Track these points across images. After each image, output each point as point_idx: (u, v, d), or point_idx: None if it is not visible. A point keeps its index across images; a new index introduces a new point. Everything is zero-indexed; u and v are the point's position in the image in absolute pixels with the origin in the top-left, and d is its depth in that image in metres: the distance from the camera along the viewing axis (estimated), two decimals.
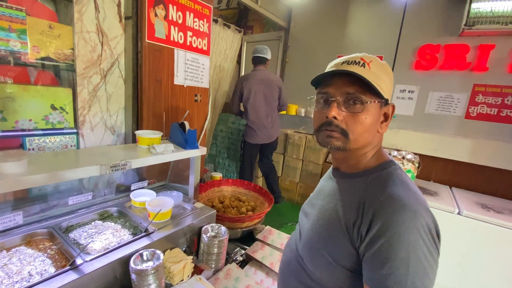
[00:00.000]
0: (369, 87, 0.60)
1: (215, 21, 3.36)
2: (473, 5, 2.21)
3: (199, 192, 1.77)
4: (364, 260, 0.57)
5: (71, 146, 1.42)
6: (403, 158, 2.24)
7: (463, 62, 2.38)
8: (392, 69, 2.74)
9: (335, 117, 0.61)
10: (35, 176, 0.80)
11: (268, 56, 2.70)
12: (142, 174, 1.54)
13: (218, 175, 2.11)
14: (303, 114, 3.39)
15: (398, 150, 2.41)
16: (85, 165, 0.94)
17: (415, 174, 2.19)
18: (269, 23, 3.54)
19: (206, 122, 1.98)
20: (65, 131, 1.39)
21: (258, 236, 1.57)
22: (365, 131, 0.63)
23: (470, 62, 2.37)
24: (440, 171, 1.99)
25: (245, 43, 3.93)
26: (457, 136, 2.43)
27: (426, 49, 2.51)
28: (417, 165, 2.19)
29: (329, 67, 0.66)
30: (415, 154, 2.36)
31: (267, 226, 1.69)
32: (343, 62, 0.63)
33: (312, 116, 0.71)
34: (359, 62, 0.61)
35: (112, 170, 0.97)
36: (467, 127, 2.41)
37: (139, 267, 0.93)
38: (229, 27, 3.59)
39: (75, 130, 1.42)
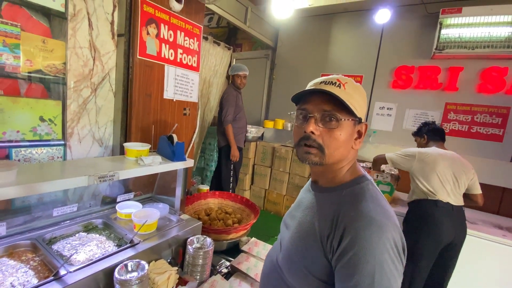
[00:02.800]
0: (344, 106, 0.64)
1: (205, 38, 3.48)
2: (443, 31, 2.42)
3: (185, 205, 1.79)
4: (335, 272, 0.59)
5: (58, 157, 1.43)
6: (383, 171, 2.35)
7: (435, 83, 2.57)
8: (372, 88, 2.91)
9: (312, 132, 0.65)
10: (25, 185, 0.82)
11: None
12: (128, 186, 1.55)
13: (205, 188, 2.13)
14: (289, 129, 3.49)
15: None
16: (74, 175, 0.97)
17: (394, 187, 2.30)
18: (257, 42, 3.70)
19: (194, 135, 2.02)
20: (52, 142, 1.40)
21: (244, 248, 1.59)
22: (340, 147, 0.66)
23: (441, 83, 2.56)
24: None
25: (234, 59, 4.07)
26: None
27: (402, 70, 2.70)
28: (396, 178, 2.30)
29: (309, 86, 0.70)
30: (395, 168, 2.48)
31: (253, 238, 1.71)
32: (321, 82, 0.67)
33: (292, 131, 0.75)
34: (335, 82, 0.65)
35: (100, 180, 1.00)
36: None
37: (123, 278, 0.94)
38: (218, 44, 3.72)
39: (62, 142, 1.43)
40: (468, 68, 2.46)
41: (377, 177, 2.32)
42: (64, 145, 1.44)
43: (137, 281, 0.95)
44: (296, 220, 0.77)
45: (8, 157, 1.25)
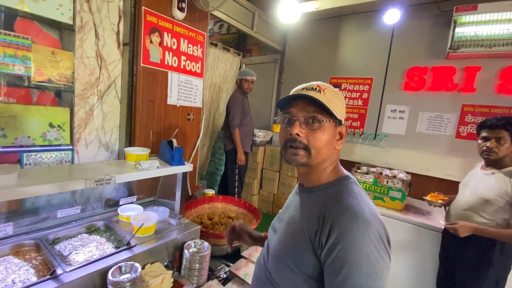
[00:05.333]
0: (325, 109, 0.68)
1: (215, 45, 3.55)
2: (457, 30, 2.31)
3: (189, 209, 1.81)
4: (325, 268, 0.61)
5: (66, 161, 1.50)
6: (395, 177, 2.25)
7: (451, 83, 2.44)
8: (382, 90, 2.82)
9: (298, 134, 0.69)
10: (23, 188, 0.87)
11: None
12: (131, 190, 1.60)
13: (210, 192, 2.15)
14: None
15: (390, 169, 2.43)
16: (72, 179, 1.01)
17: (406, 193, 2.19)
18: (266, 47, 3.72)
19: (199, 140, 2.05)
20: (61, 147, 1.48)
21: (244, 254, 1.58)
22: (324, 147, 0.70)
23: (457, 84, 2.43)
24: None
25: (244, 65, 4.11)
26: (449, 156, 2.44)
27: (414, 71, 2.59)
28: (408, 184, 2.19)
29: (292, 92, 0.75)
30: (408, 173, 2.37)
31: None
32: (303, 88, 0.72)
33: (278, 135, 0.78)
34: (316, 88, 0.70)
35: (96, 184, 1.04)
36: (458, 146, 2.43)
37: (115, 279, 0.96)
38: (228, 50, 3.78)
39: (70, 147, 1.51)
40: (486, 68, 2.32)
41: (387, 183, 2.23)
42: (72, 149, 1.51)
43: (129, 283, 0.97)
44: (283, 222, 0.79)
45: (19, 161, 1.33)
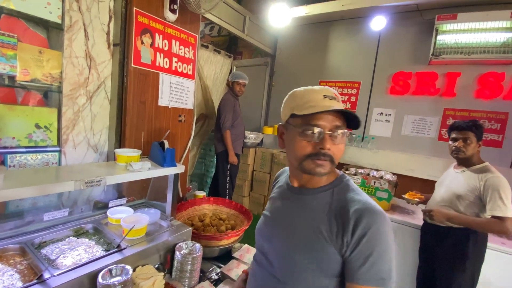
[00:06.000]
0: (345, 120, 0.69)
1: (206, 47, 3.55)
2: (439, 37, 2.42)
3: (180, 210, 1.80)
4: (349, 260, 0.63)
5: (53, 163, 1.46)
6: (381, 178, 2.32)
7: (433, 88, 2.55)
8: (370, 94, 2.91)
9: (329, 149, 0.66)
10: (11, 189, 0.85)
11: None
12: (121, 192, 1.57)
13: (201, 194, 2.14)
14: None
15: (377, 170, 2.50)
16: (61, 180, 0.99)
17: (392, 193, 2.26)
18: (257, 50, 3.75)
19: (190, 142, 2.05)
20: (47, 149, 1.44)
21: (235, 255, 1.59)
22: (341, 155, 0.71)
23: (439, 88, 2.54)
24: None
25: (235, 67, 4.13)
26: (432, 157, 2.55)
27: (399, 76, 2.69)
28: (394, 184, 2.27)
29: (310, 100, 0.68)
30: (393, 174, 2.45)
31: (245, 245, 1.70)
32: (324, 96, 0.67)
33: (293, 144, 0.70)
34: (335, 98, 0.68)
35: (86, 186, 1.02)
36: (440, 148, 2.54)
37: (106, 282, 0.95)
38: (219, 52, 3.79)
39: (57, 148, 1.47)
40: (465, 74, 2.45)
41: (374, 184, 2.30)
42: (59, 151, 1.47)
43: (119, 286, 0.95)
44: (280, 228, 0.77)
45: (3, 163, 1.29)
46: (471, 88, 2.44)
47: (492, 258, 1.80)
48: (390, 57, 2.77)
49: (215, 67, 3.82)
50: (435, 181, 1.91)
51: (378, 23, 2.61)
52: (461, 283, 1.63)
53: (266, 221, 0.85)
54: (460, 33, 2.38)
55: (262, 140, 3.60)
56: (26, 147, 1.35)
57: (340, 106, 0.67)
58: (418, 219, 2.12)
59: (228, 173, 2.94)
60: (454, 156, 1.69)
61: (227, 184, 2.97)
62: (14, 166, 1.31)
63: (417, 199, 1.97)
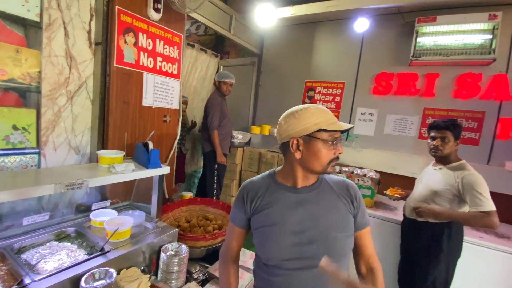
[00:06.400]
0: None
1: (192, 46, 3.53)
2: (419, 39, 2.51)
3: (166, 212, 1.78)
4: (356, 217, 0.92)
5: (32, 166, 1.42)
6: (365, 175, 2.38)
7: (414, 88, 2.65)
8: (354, 94, 2.99)
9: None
10: None
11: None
12: (104, 194, 1.54)
13: (188, 195, 2.13)
14: (275, 134, 3.52)
15: (361, 168, 2.56)
16: (40, 184, 0.97)
17: (375, 191, 2.33)
18: (244, 49, 3.75)
19: (175, 142, 2.03)
20: (26, 151, 1.40)
21: None
22: None
23: (419, 89, 2.64)
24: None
25: (222, 67, 4.11)
26: (413, 155, 2.64)
27: (382, 76, 2.77)
28: (376, 182, 2.34)
29: (330, 118, 0.86)
30: (377, 171, 2.52)
31: None
32: (336, 120, 0.88)
33: (320, 154, 0.85)
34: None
35: (67, 189, 1.00)
36: (420, 146, 2.64)
37: (89, 286, 0.94)
38: (205, 51, 3.77)
39: (37, 150, 1.43)
40: (444, 75, 2.55)
41: (358, 182, 2.36)
42: (39, 153, 1.43)
43: None
44: (320, 221, 0.87)
45: None
46: (450, 88, 2.54)
47: (470, 252, 1.89)
48: (373, 58, 2.85)
49: (201, 66, 3.80)
50: (416, 178, 1.99)
51: (361, 25, 2.68)
52: (436, 276, 1.70)
53: (289, 231, 0.87)
54: (439, 35, 2.47)
55: (250, 139, 3.61)
56: (3, 149, 1.31)
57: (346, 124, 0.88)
58: (400, 215, 2.20)
59: (215, 173, 2.93)
60: (432, 154, 1.76)
61: (215, 184, 2.96)
62: None
63: (397, 195, 2.04)
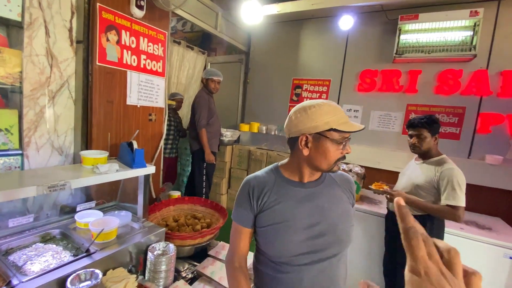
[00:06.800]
0: None
1: (178, 43, 3.49)
2: (402, 37, 2.57)
3: (153, 211, 1.78)
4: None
5: (16, 167, 1.39)
6: (350, 170, 2.44)
7: (397, 85, 2.71)
8: (339, 91, 3.04)
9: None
10: None
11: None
12: (90, 195, 1.53)
13: (176, 194, 2.12)
14: (264, 132, 3.55)
15: (346, 164, 2.62)
16: (23, 185, 0.96)
17: (360, 186, 2.40)
18: (231, 46, 3.74)
19: (161, 141, 2.02)
20: (9, 152, 1.36)
21: (211, 252, 1.61)
22: None
23: (402, 85, 2.71)
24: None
25: (209, 64, 4.09)
26: (397, 150, 2.72)
27: (366, 73, 2.83)
28: (362, 177, 2.40)
29: (342, 117, 0.85)
30: (362, 166, 2.59)
31: (221, 242, 1.73)
32: (348, 119, 0.87)
33: (328, 153, 0.84)
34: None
35: (50, 190, 0.99)
36: (404, 142, 2.71)
37: (74, 287, 0.94)
38: (192, 48, 3.74)
39: (20, 152, 1.40)
40: (426, 71, 2.62)
41: None
42: (22, 154, 1.40)
43: None
44: (328, 214, 0.89)
45: None
46: (431, 84, 2.62)
47: (452, 244, 1.97)
48: (358, 55, 2.90)
49: (189, 64, 3.76)
50: (400, 172, 2.05)
51: (346, 22, 2.71)
52: None
53: (299, 226, 0.86)
54: (422, 32, 2.54)
55: (239, 137, 3.62)
56: None
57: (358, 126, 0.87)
58: (385, 209, 2.27)
59: (204, 172, 2.93)
60: (412, 151, 1.84)
61: (204, 182, 2.95)
62: None
63: (382, 189, 2.11)
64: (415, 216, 1.74)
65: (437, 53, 2.49)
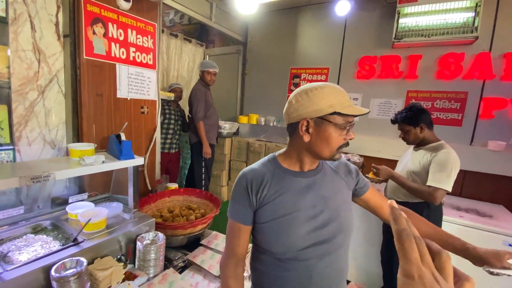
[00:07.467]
0: None
1: (175, 36, 3.47)
2: (401, 20, 2.48)
3: (148, 203, 1.81)
4: (358, 184, 0.95)
5: (8, 161, 1.43)
6: (349, 160, 2.41)
7: (397, 71, 2.63)
8: (338, 79, 2.97)
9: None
10: None
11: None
12: (82, 187, 1.56)
13: (173, 186, 2.15)
14: (263, 123, 3.52)
15: (345, 153, 2.58)
16: (6, 177, 0.98)
17: None
18: (229, 37, 3.70)
19: (155, 133, 2.03)
20: (1, 147, 1.40)
21: (203, 242, 1.63)
22: None
23: (402, 71, 2.62)
24: None
25: (207, 56, 4.06)
26: (396, 138, 2.64)
27: (365, 60, 2.75)
28: (360, 166, 2.36)
29: (346, 100, 0.78)
30: (360, 156, 2.54)
31: (214, 232, 1.75)
32: (351, 102, 0.80)
33: (330, 139, 0.78)
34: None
35: (33, 182, 1.01)
36: None
37: (58, 275, 0.96)
38: (190, 41, 3.71)
39: (11, 146, 1.43)
40: (426, 56, 2.53)
41: None
42: (13, 149, 1.44)
43: (73, 277, 0.97)
44: (330, 203, 0.85)
45: None
46: (432, 69, 2.53)
47: (451, 231, 1.92)
48: (356, 42, 2.82)
49: (188, 56, 3.75)
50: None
51: (343, 7, 2.63)
52: None
53: (303, 217, 0.81)
54: (421, 15, 2.44)
55: (238, 129, 3.61)
56: None
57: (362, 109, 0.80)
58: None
59: (203, 164, 2.95)
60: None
61: (203, 175, 2.98)
62: None
63: (378, 178, 2.07)
64: (411, 204, 1.72)
65: (438, 36, 2.39)
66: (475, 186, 2.44)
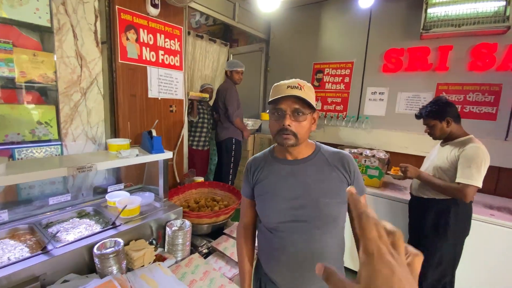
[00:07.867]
0: (306, 103, 0.89)
1: (201, 37, 3.62)
2: (429, 10, 2.36)
3: (176, 194, 1.95)
4: (353, 182, 0.98)
5: (56, 155, 1.63)
6: (373, 156, 2.36)
7: (426, 63, 2.51)
8: (363, 73, 2.90)
9: (289, 125, 0.89)
10: (12, 175, 1.00)
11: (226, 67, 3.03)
12: (119, 178, 1.73)
13: (199, 179, 2.28)
14: None
15: (370, 149, 2.53)
16: (57, 167, 1.14)
17: (383, 171, 2.31)
18: (252, 36, 3.77)
19: (183, 130, 2.17)
20: (50, 143, 1.60)
21: (226, 231, 1.73)
22: (306, 132, 0.93)
23: (432, 63, 2.50)
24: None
25: (231, 55, 4.17)
26: (425, 134, 2.53)
27: (391, 53, 2.66)
28: (385, 162, 2.31)
29: (277, 90, 0.91)
30: (387, 152, 2.48)
31: (236, 222, 1.83)
32: (287, 87, 0.89)
33: (270, 125, 0.96)
34: (297, 86, 0.88)
35: (79, 171, 1.16)
36: None
37: (100, 252, 1.10)
38: (215, 41, 3.85)
39: (59, 142, 1.63)
40: (457, 47, 2.39)
41: (364, 162, 2.35)
42: (61, 144, 1.63)
43: (112, 255, 1.11)
44: (311, 188, 0.94)
45: (12, 156, 1.46)
46: (464, 61, 2.39)
47: (480, 230, 1.84)
48: (382, 34, 2.73)
49: (213, 57, 3.89)
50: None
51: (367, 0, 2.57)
52: (443, 253, 1.70)
53: (283, 197, 0.96)
54: (451, 4, 2.31)
55: (260, 126, 3.68)
56: (31, 142, 1.52)
57: (298, 93, 0.87)
58: (409, 195, 2.17)
59: (232, 159, 3.05)
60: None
61: (231, 170, 3.09)
62: (21, 159, 1.48)
63: (400, 174, 2.02)
64: (437, 200, 1.67)
65: (469, 26, 2.25)
66: (508, 184, 2.28)
